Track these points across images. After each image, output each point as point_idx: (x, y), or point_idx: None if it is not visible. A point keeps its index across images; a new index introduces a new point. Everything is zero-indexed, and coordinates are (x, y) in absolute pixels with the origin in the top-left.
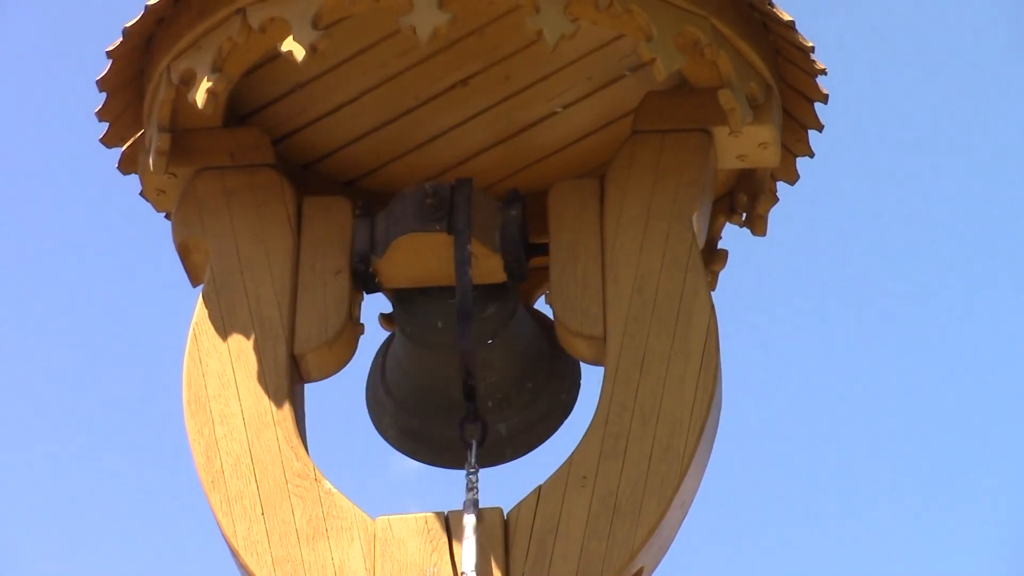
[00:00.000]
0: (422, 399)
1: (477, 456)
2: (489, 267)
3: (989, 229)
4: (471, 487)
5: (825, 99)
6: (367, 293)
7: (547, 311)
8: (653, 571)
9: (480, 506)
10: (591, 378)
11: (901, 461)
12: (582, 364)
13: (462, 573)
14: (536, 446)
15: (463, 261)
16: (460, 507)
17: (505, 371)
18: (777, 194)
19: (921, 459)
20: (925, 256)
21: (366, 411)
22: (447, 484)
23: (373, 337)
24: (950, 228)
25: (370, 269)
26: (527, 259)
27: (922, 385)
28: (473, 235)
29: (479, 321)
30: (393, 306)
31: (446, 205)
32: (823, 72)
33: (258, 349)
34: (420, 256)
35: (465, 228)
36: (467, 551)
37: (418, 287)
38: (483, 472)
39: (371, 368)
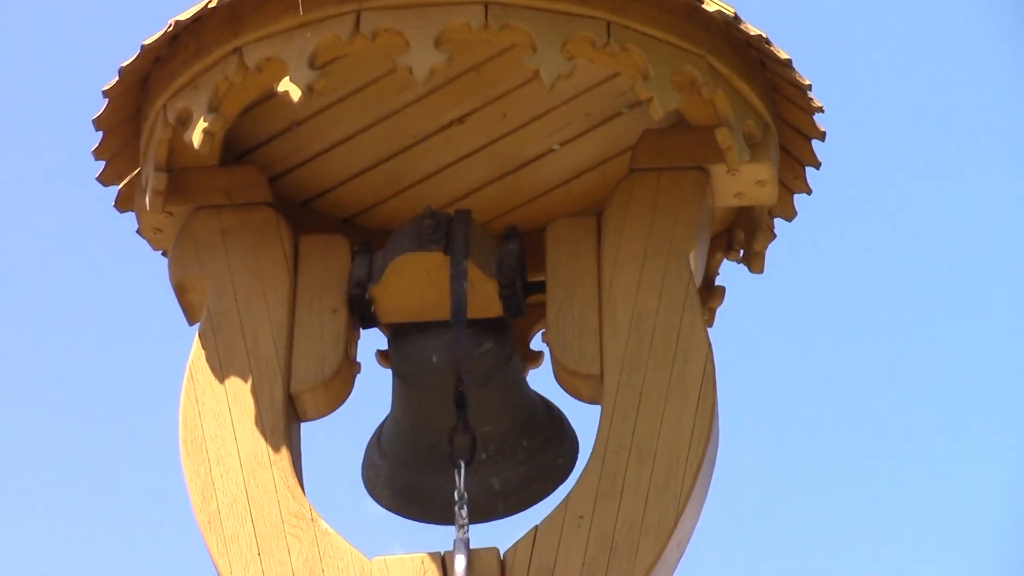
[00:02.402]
0: (415, 449)
1: (471, 512)
2: (485, 297)
3: (989, 266)
4: (461, 524)
5: (822, 136)
6: (363, 327)
7: (542, 349)
8: None
9: (472, 546)
10: (588, 417)
11: (898, 499)
12: (579, 404)
13: None
14: (529, 506)
15: (459, 275)
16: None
17: (501, 422)
18: (775, 231)
19: (916, 502)
20: (923, 293)
21: (362, 452)
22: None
23: (369, 376)
24: (949, 265)
25: (366, 296)
26: (524, 295)
27: (919, 424)
28: (470, 258)
29: (475, 358)
30: (388, 345)
31: (443, 228)
32: (820, 110)
33: (255, 388)
34: (417, 282)
35: (462, 248)
36: None
37: (414, 322)
38: (476, 524)
39: (368, 442)
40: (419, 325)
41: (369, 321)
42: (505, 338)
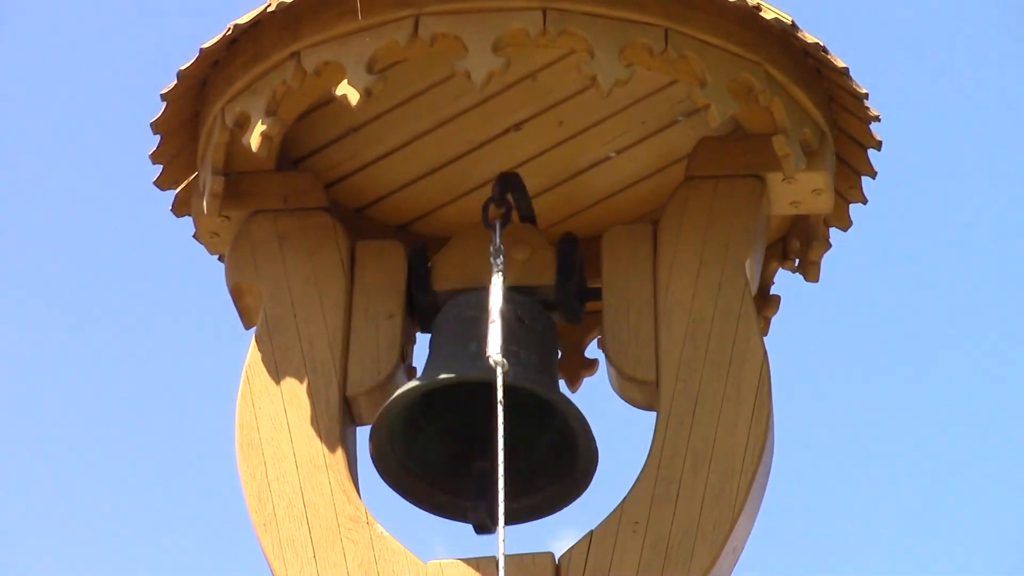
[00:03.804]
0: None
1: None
2: (543, 261)
3: None
4: (498, 270)
5: (879, 146)
6: (417, 319)
7: (598, 357)
8: None
9: (527, 550)
10: (643, 424)
11: (958, 502)
12: (634, 410)
13: None
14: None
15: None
16: (513, 551)
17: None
18: (830, 240)
19: (977, 509)
20: (980, 303)
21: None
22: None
23: None
24: (1006, 274)
25: (428, 264)
26: (581, 301)
27: (980, 428)
28: (531, 223)
29: (521, 305)
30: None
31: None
32: (877, 119)
33: (310, 392)
34: (477, 251)
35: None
36: None
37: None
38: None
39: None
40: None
41: (425, 290)
42: (552, 328)
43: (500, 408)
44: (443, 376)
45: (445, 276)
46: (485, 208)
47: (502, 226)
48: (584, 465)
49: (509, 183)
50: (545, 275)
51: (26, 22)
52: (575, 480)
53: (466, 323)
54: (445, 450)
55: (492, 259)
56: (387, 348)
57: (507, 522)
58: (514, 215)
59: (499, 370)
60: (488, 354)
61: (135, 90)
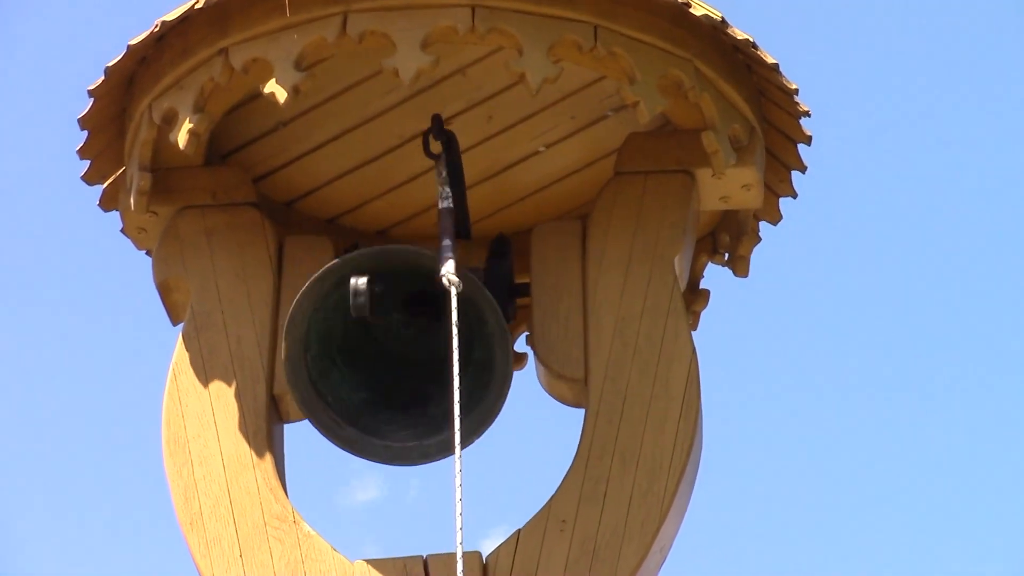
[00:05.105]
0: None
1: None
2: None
3: (974, 268)
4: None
5: (808, 140)
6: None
7: (527, 351)
8: None
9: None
10: (572, 421)
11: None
12: (563, 407)
13: None
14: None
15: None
16: (440, 551)
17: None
18: (760, 234)
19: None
20: (907, 296)
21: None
22: (429, 527)
23: None
24: (933, 268)
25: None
26: (511, 298)
27: (903, 425)
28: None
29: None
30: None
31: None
32: (807, 114)
33: (238, 390)
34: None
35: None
36: None
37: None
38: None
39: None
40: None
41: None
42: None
43: (455, 333)
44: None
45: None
46: (425, 139)
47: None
48: (497, 389)
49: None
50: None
51: None
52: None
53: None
54: (361, 386)
55: (438, 188)
56: None
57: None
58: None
59: (453, 290)
60: (442, 273)
61: (63, 86)
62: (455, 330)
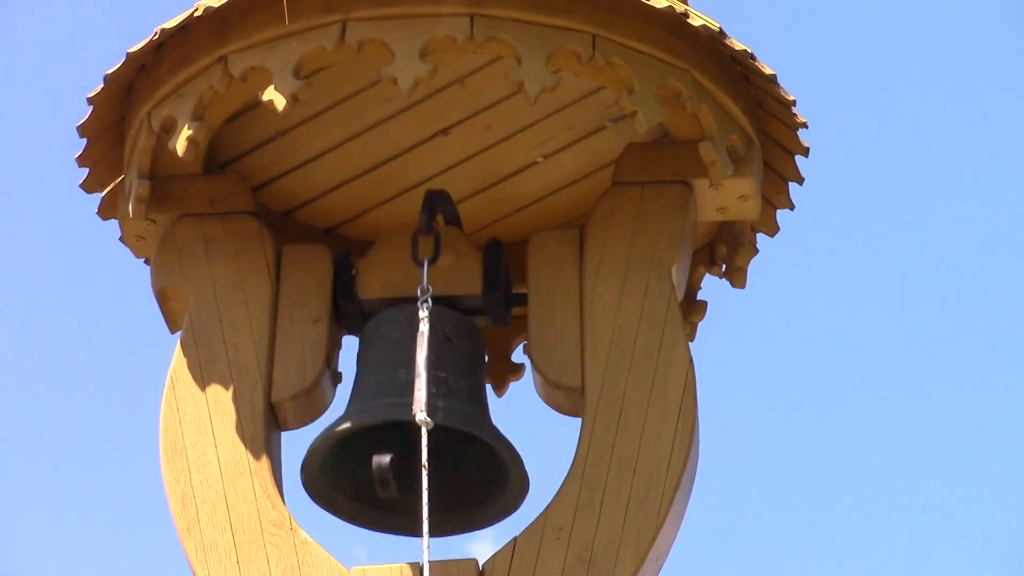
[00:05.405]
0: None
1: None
2: (468, 271)
3: (971, 281)
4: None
5: (806, 152)
6: (344, 326)
7: (524, 361)
8: None
9: (451, 556)
10: (569, 430)
11: (882, 509)
12: (560, 416)
13: None
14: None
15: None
16: (436, 558)
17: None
18: (757, 246)
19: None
20: (905, 308)
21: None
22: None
23: (350, 386)
24: (930, 280)
25: (352, 271)
26: (508, 305)
27: (907, 434)
28: (457, 228)
29: (450, 322)
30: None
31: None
32: (804, 125)
33: (235, 397)
34: (401, 258)
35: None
36: None
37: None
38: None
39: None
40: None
41: (350, 298)
42: (478, 339)
43: (425, 472)
44: (370, 418)
45: (370, 285)
46: (414, 241)
47: (430, 263)
48: (515, 492)
49: (436, 201)
50: (471, 284)
51: None
52: (505, 503)
53: (394, 347)
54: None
55: (419, 301)
56: (313, 353)
57: (436, 533)
58: (439, 221)
59: (424, 429)
60: (414, 413)
61: (62, 93)
62: (425, 474)
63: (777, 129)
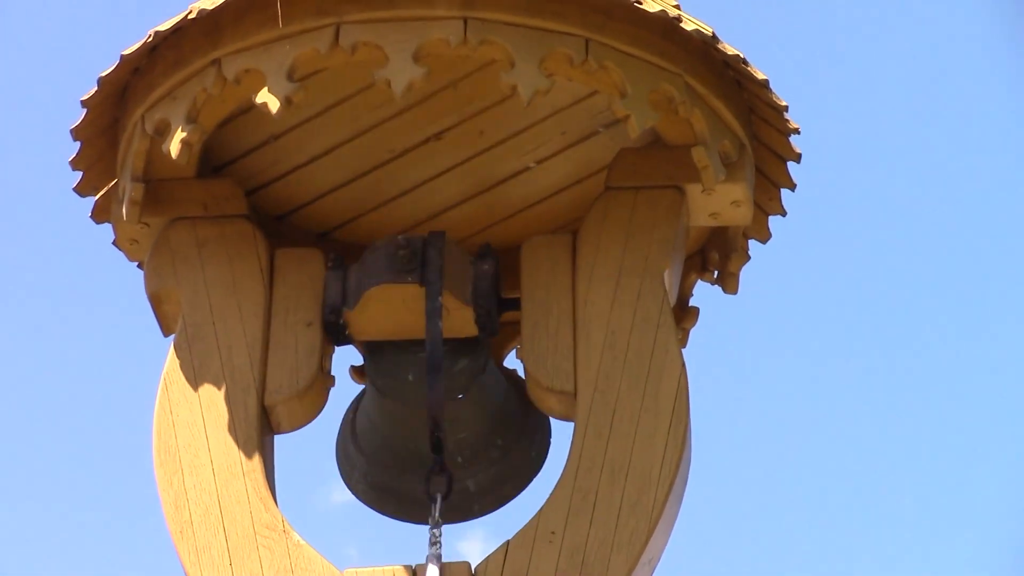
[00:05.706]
0: (391, 453)
1: (445, 511)
2: (460, 320)
3: (963, 288)
4: (434, 541)
5: (798, 158)
6: (338, 345)
7: (517, 366)
8: None
9: (444, 560)
10: (561, 434)
11: (876, 513)
12: (552, 420)
13: None
14: (505, 503)
15: (434, 313)
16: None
17: (475, 427)
18: (749, 252)
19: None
20: (897, 315)
21: (335, 464)
22: (417, 537)
23: (343, 390)
24: (923, 287)
25: (341, 321)
26: (499, 313)
27: (900, 439)
28: (445, 287)
29: (450, 376)
30: (364, 359)
31: (418, 257)
32: (796, 131)
33: (228, 400)
34: (391, 307)
35: (436, 280)
36: None
37: (389, 340)
38: (452, 525)
39: (342, 423)
40: (395, 342)
41: (344, 340)
42: (479, 351)
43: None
44: (387, 506)
45: (363, 331)
46: (427, 477)
47: (444, 498)
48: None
49: (433, 242)
50: (465, 328)
51: None
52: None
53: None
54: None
55: (430, 529)
56: (306, 357)
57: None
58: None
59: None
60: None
61: (55, 96)
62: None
63: (769, 135)
